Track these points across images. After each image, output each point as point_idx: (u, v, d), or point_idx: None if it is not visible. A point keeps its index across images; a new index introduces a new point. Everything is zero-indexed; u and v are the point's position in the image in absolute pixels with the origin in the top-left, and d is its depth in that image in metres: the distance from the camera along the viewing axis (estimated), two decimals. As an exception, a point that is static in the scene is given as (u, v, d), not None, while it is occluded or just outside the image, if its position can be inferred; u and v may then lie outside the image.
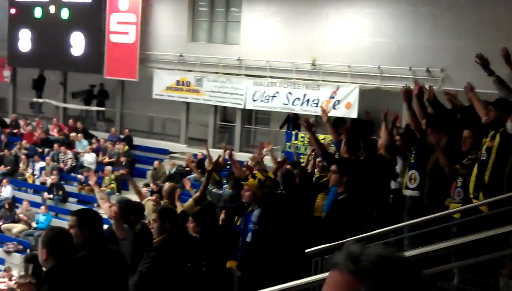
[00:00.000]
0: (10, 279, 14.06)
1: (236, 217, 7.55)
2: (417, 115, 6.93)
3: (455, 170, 6.12)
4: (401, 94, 7.02)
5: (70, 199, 18.28)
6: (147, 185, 17.20)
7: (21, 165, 20.12)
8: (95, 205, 16.12)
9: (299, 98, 17.58)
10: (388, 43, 16.38)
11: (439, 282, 5.48)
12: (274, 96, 17.95)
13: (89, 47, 21.21)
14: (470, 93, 6.82)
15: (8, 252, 16.25)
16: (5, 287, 14.00)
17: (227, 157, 10.20)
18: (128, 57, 20.32)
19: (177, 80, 19.79)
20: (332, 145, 9.71)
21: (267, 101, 18.14)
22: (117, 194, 17.34)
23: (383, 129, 8.17)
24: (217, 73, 19.03)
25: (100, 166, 19.05)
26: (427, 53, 15.73)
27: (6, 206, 17.49)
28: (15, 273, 14.43)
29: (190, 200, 8.18)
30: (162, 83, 20.02)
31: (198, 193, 8.23)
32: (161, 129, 21.80)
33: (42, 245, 4.17)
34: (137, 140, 20.58)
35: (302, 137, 16.95)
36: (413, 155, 6.93)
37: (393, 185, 7.55)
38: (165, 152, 19.96)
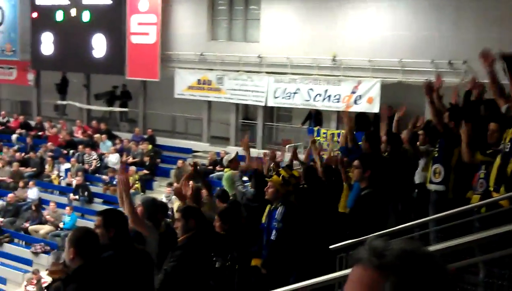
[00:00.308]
0: (38, 282, 14.21)
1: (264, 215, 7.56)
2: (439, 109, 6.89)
3: (474, 157, 6.06)
4: (423, 88, 6.99)
5: (96, 200, 18.48)
6: (170, 184, 17.30)
7: (46, 166, 20.38)
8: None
9: (320, 94, 17.53)
10: (409, 36, 16.24)
11: (466, 276, 5.44)
12: (295, 92, 17.93)
13: (111, 49, 21.39)
14: (488, 65, 6.09)
15: (35, 253, 16.47)
16: (34, 289, 14.18)
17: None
18: (149, 57, 20.45)
19: (198, 79, 19.87)
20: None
21: (289, 98, 18.12)
22: (142, 193, 17.48)
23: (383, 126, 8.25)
24: (238, 71, 19.06)
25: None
26: (449, 45, 15.57)
27: (33, 207, 17.73)
28: (43, 274, 14.64)
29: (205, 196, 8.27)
30: (184, 83, 20.12)
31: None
32: (184, 128, 21.89)
33: (69, 245, 4.20)
34: (160, 140, 20.69)
35: (324, 133, 16.91)
36: (436, 149, 6.88)
37: (417, 179, 7.51)
38: (188, 151, 20.04)
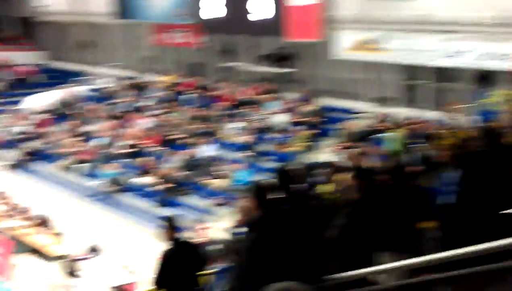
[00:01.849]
0: (207, 230, 15.39)
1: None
2: None
3: None
4: None
5: (266, 157, 19.25)
6: (336, 144, 17.76)
7: (219, 125, 21.76)
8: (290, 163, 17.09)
9: (491, 53, 16.83)
10: None
11: None
12: (464, 52, 17.36)
13: (275, 11, 21.87)
14: None
15: (212, 205, 17.93)
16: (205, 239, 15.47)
17: None
18: (312, 18, 20.70)
19: (362, 40, 19.84)
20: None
21: (457, 57, 17.60)
22: (308, 153, 18.15)
23: None
24: (403, 30, 18.74)
25: (291, 125, 19.99)
26: None
27: (208, 163, 19.19)
28: (214, 225, 15.87)
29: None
30: (347, 43, 20.19)
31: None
32: (348, 89, 22.04)
33: (251, 196, 4.58)
34: (324, 101, 21.07)
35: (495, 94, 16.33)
36: None
37: None
38: (352, 111, 20.17)
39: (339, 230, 5.70)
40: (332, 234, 5.67)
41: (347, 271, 5.07)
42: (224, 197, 17.87)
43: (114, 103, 26.36)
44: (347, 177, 6.10)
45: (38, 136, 25.77)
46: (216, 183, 18.68)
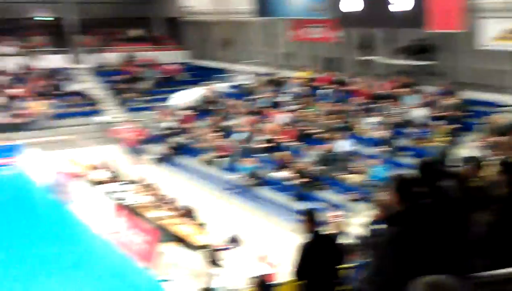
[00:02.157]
0: (336, 216, 15.34)
1: None
2: None
3: None
4: None
5: (403, 152, 18.98)
6: (478, 139, 17.03)
7: (355, 119, 21.66)
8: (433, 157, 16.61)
9: None
10: None
11: None
12: None
13: (414, 2, 21.29)
14: None
15: (348, 200, 17.91)
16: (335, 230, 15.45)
17: None
18: (455, 7, 19.92)
19: (509, 29, 18.78)
20: None
21: None
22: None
23: None
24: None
25: (431, 120, 19.39)
26: None
27: (345, 158, 19.18)
28: (354, 219, 15.87)
29: None
30: (492, 33, 19.21)
31: None
32: (493, 81, 20.96)
33: (394, 190, 4.56)
34: (467, 94, 20.27)
35: None
36: None
37: None
38: (498, 105, 19.12)
39: (487, 227, 5.56)
40: (480, 230, 5.53)
41: (496, 269, 4.91)
42: (360, 192, 17.80)
43: (253, 99, 27.15)
44: (494, 172, 5.90)
45: (182, 131, 27.21)
46: (352, 178, 18.65)
